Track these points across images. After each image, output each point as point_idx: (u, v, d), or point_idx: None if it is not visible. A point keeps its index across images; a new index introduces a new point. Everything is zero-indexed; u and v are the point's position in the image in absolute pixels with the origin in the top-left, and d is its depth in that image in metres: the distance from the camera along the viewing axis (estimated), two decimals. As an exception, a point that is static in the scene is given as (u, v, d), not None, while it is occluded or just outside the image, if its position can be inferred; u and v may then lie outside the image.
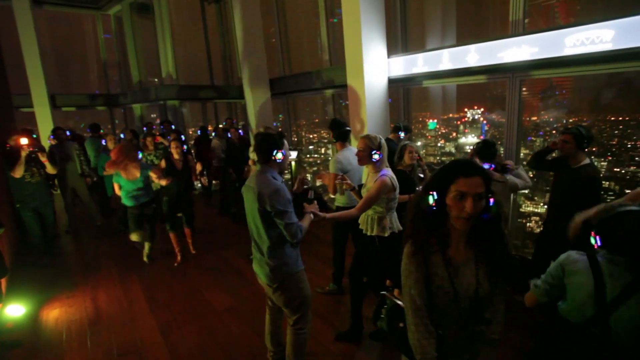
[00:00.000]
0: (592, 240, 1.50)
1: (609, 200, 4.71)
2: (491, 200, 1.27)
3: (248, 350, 3.09)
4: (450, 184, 1.27)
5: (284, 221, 2.21)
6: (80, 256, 5.42)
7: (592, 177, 2.91)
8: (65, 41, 14.08)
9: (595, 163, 3.45)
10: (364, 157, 2.72)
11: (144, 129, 7.52)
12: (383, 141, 2.74)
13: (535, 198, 6.13)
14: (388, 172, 2.71)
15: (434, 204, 1.30)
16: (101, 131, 7.16)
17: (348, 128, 3.77)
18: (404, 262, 1.39)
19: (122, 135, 7.58)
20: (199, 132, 7.85)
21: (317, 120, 9.84)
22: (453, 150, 7.40)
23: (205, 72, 10.16)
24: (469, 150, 3.97)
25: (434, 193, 1.30)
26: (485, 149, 3.14)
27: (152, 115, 11.63)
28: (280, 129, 8.52)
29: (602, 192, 3.06)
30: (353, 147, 3.60)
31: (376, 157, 2.68)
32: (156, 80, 10.56)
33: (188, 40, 10.71)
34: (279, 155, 2.31)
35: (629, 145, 5.16)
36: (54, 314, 3.80)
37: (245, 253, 5.03)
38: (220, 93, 9.34)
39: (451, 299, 1.35)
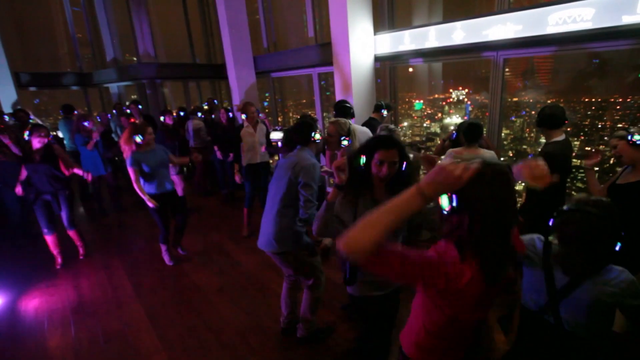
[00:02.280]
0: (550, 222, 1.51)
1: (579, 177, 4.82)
2: (404, 165, 1.79)
3: (237, 330, 3.08)
4: (374, 153, 1.74)
5: (307, 195, 2.38)
6: (60, 242, 5.24)
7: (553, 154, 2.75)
8: (29, 14, 13.16)
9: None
10: (333, 142, 2.73)
11: (114, 111, 7.20)
12: (353, 126, 2.74)
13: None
14: None
15: (363, 165, 1.76)
16: (75, 112, 6.86)
17: (347, 104, 3.86)
18: (339, 202, 1.84)
19: (98, 118, 7.25)
20: (182, 113, 7.58)
21: (304, 101, 9.65)
22: (438, 130, 7.44)
23: (186, 50, 9.76)
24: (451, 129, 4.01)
25: (363, 157, 1.76)
26: (470, 130, 3.06)
27: (132, 97, 11.15)
28: (267, 110, 8.36)
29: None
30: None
31: (345, 142, 2.70)
32: (135, 59, 10.05)
33: (166, 14, 10.22)
34: (317, 136, 2.57)
35: (600, 126, 5.37)
36: (33, 303, 3.68)
37: (232, 234, 4.99)
38: (203, 71, 9.02)
39: None
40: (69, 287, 3.93)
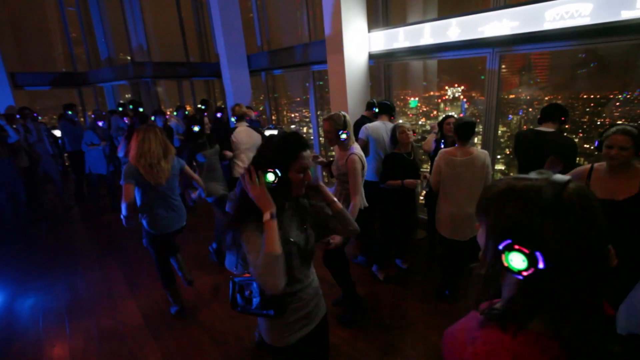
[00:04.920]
0: None
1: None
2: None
3: (232, 329, 3.09)
4: (292, 162, 1.41)
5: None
6: (56, 241, 5.23)
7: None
8: (23, 15, 13.08)
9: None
10: (332, 138, 2.72)
11: (120, 109, 7.17)
12: (347, 117, 2.72)
13: (511, 174, 6.29)
14: (355, 149, 2.73)
15: (274, 181, 1.37)
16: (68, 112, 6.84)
17: (386, 102, 4.02)
18: (252, 234, 1.37)
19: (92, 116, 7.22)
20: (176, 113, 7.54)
21: (298, 99, 9.64)
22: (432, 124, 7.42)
23: (179, 49, 9.72)
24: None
25: (276, 170, 1.37)
26: (463, 129, 2.94)
27: (126, 95, 11.10)
28: (260, 108, 8.34)
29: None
30: (389, 123, 3.85)
31: (344, 136, 2.68)
32: (129, 58, 10.01)
33: (159, 13, 10.17)
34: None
35: (599, 123, 5.34)
36: (28, 302, 3.68)
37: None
38: (197, 70, 8.98)
39: (294, 253, 1.48)
40: (64, 287, 3.92)
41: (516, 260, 0.68)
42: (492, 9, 3.74)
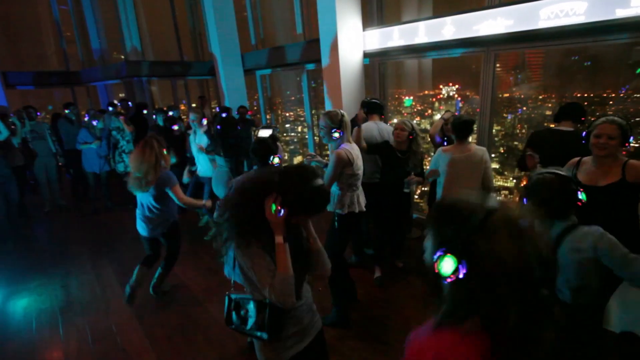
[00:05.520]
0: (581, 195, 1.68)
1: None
2: None
3: (226, 328, 3.05)
4: (311, 215, 1.45)
5: None
6: (48, 241, 5.18)
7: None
8: (15, 14, 12.93)
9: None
10: (326, 134, 2.69)
11: (109, 109, 7.14)
12: (346, 117, 2.67)
13: (505, 172, 6.33)
14: (346, 146, 2.68)
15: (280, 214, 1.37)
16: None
17: (375, 101, 3.79)
18: (258, 252, 1.39)
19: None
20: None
21: (292, 98, 9.62)
22: (429, 127, 7.44)
23: (173, 48, 9.66)
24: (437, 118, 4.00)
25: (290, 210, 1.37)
26: (461, 127, 2.99)
27: (120, 95, 11.03)
28: (255, 107, 8.32)
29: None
30: (381, 123, 3.70)
31: (336, 135, 2.64)
32: (122, 57, 9.94)
33: (153, 12, 10.10)
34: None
35: (592, 120, 5.33)
36: (21, 303, 3.64)
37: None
38: (191, 69, 8.94)
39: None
40: (58, 287, 3.89)
41: (445, 267, 0.80)
42: (487, 7, 3.74)
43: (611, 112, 5.14)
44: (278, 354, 1.52)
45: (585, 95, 5.52)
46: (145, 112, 7.29)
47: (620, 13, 2.88)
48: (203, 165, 4.59)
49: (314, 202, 1.41)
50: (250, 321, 1.48)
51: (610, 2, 2.91)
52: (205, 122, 4.58)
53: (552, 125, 3.23)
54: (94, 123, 5.77)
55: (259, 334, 1.47)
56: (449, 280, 0.80)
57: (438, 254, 0.82)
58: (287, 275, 1.36)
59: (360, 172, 2.78)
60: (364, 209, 2.88)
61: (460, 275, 0.78)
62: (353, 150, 2.71)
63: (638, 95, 4.63)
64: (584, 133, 2.24)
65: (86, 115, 6.08)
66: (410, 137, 3.22)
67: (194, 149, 4.59)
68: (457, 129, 3.00)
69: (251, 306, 1.48)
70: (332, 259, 2.85)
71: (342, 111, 2.69)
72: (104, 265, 4.30)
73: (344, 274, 3.04)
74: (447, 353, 0.80)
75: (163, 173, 3.06)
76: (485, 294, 0.78)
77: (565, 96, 5.72)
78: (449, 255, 0.81)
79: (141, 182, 2.98)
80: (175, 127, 5.47)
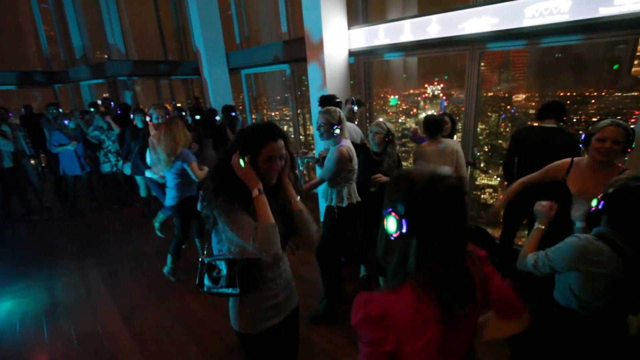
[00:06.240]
0: (594, 202, 1.51)
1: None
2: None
3: (214, 330, 3.08)
4: (260, 150, 1.44)
5: None
6: (33, 243, 5.09)
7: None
8: (-5, 12, 12.60)
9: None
10: (326, 131, 2.72)
11: (92, 109, 7.03)
12: (342, 114, 2.74)
13: (490, 171, 6.43)
14: (346, 142, 2.75)
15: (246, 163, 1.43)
16: (60, 110, 6.74)
17: (338, 99, 3.86)
18: (238, 214, 1.43)
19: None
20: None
21: (278, 98, 9.60)
22: (414, 126, 7.49)
23: (157, 47, 9.54)
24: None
25: (245, 157, 1.43)
26: (429, 127, 3.25)
27: (104, 95, 10.84)
28: (240, 107, 8.28)
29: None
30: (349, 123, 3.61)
31: (337, 131, 2.70)
32: (106, 56, 9.77)
33: (136, 10, 9.95)
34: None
35: (575, 120, 5.45)
36: (5, 306, 3.58)
37: (208, 233, 4.94)
38: (176, 68, 8.84)
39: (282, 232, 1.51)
40: (42, 289, 3.83)
41: (390, 225, 0.91)
42: (473, 5, 3.76)
43: (593, 111, 5.27)
44: (254, 323, 1.57)
45: (569, 94, 5.63)
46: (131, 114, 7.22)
47: (604, 11, 2.90)
48: None
49: (259, 132, 1.46)
50: (222, 280, 1.52)
51: (594, 0, 2.93)
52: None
53: (535, 124, 3.30)
54: (66, 123, 5.51)
55: (230, 290, 1.50)
56: (393, 237, 0.90)
57: (384, 213, 0.92)
58: (268, 224, 1.40)
59: (357, 166, 2.86)
60: (360, 199, 2.98)
61: (404, 231, 0.88)
62: (351, 145, 2.80)
63: (619, 94, 4.69)
64: (584, 135, 2.09)
65: (54, 116, 5.87)
66: (387, 139, 3.19)
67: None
68: (427, 128, 3.21)
69: (222, 265, 1.52)
70: (328, 247, 2.98)
71: (337, 108, 2.75)
72: (89, 267, 4.26)
73: (338, 263, 3.15)
74: (376, 297, 0.93)
75: (183, 150, 3.38)
76: (422, 252, 0.89)
77: (548, 95, 5.82)
78: (392, 214, 0.90)
79: (169, 160, 3.31)
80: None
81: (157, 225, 4.57)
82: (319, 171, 3.41)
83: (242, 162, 1.43)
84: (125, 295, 3.66)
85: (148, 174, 4.15)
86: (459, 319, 0.94)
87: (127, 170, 5.24)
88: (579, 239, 1.48)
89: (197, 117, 5.49)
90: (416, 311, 0.89)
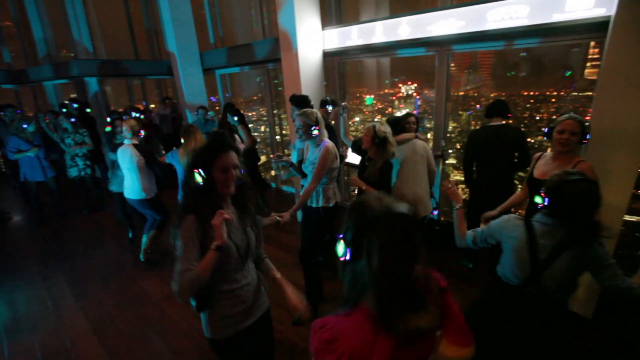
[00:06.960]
0: (539, 200, 1.66)
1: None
2: (242, 170, 1.59)
3: (188, 334, 3.00)
4: (213, 162, 1.50)
5: None
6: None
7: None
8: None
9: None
10: (304, 133, 2.73)
11: (63, 110, 6.72)
12: (319, 115, 2.75)
13: (461, 167, 6.59)
14: (327, 141, 2.77)
15: (202, 180, 1.49)
16: (18, 111, 6.38)
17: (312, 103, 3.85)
18: (189, 244, 1.47)
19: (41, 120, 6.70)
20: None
21: (255, 98, 9.49)
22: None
23: (127, 47, 9.21)
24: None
25: (200, 171, 1.48)
26: (394, 125, 3.31)
27: (71, 95, 10.37)
28: (217, 108, 8.13)
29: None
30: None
31: (315, 132, 2.72)
32: (72, 55, 9.34)
33: (104, 8, 9.57)
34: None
35: (538, 118, 5.74)
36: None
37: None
38: (147, 69, 8.57)
39: (233, 254, 1.56)
40: (2, 304, 3.61)
41: (339, 250, 0.97)
42: (440, 8, 3.88)
43: (553, 110, 5.54)
44: (221, 330, 1.62)
45: (532, 93, 5.89)
46: (88, 110, 6.99)
47: (557, 17, 3.11)
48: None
49: (208, 148, 1.54)
50: None
51: (548, 6, 3.14)
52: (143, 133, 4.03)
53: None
54: (25, 126, 5.09)
55: (193, 303, 1.59)
56: (341, 260, 0.97)
57: (339, 236, 0.98)
58: (200, 276, 1.42)
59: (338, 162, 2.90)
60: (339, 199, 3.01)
61: (347, 258, 0.95)
62: (334, 144, 2.83)
63: (575, 94, 4.97)
64: (546, 129, 2.43)
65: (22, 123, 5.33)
66: (375, 142, 3.02)
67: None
68: (391, 126, 3.18)
69: None
70: (313, 249, 3.00)
71: (314, 110, 2.78)
72: (55, 277, 4.06)
73: (316, 263, 3.16)
74: (329, 321, 0.97)
75: None
76: (366, 281, 0.93)
77: (513, 94, 6.06)
78: (341, 241, 0.97)
79: None
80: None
81: (142, 256, 4.28)
82: (291, 174, 3.37)
83: (198, 178, 1.48)
84: (95, 305, 3.51)
85: (142, 195, 3.98)
86: (411, 345, 0.96)
87: (114, 188, 4.56)
88: (508, 216, 1.78)
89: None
90: (365, 335, 0.91)
